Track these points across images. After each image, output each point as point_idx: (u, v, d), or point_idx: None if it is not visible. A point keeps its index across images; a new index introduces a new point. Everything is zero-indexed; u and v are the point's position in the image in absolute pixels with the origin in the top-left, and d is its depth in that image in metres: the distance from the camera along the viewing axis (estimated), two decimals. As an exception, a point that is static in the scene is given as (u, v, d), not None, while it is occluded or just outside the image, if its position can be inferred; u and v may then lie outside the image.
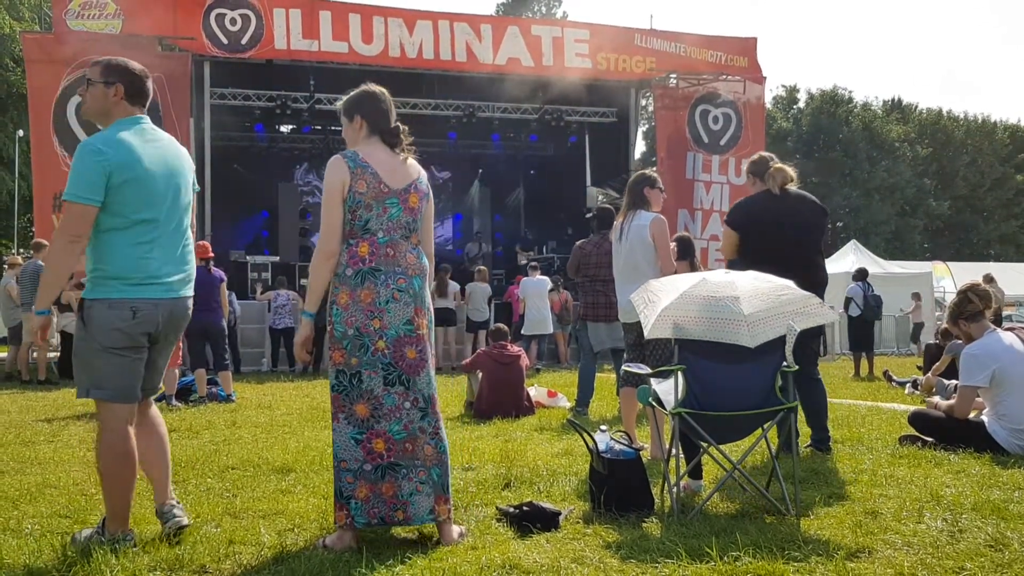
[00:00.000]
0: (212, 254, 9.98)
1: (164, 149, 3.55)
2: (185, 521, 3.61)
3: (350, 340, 3.41)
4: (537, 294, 14.49)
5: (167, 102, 14.99)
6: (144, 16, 15.31)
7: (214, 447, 6.28)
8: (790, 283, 4.15)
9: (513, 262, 20.38)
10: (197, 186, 3.78)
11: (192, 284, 3.64)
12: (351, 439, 3.40)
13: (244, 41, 15.91)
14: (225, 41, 15.83)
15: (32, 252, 13.18)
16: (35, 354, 12.30)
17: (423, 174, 3.69)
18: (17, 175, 25.19)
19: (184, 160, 3.65)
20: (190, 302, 3.63)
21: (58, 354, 13.19)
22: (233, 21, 15.88)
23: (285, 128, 21.14)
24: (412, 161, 3.65)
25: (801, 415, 5.51)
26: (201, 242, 10.09)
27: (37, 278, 11.93)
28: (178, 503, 3.73)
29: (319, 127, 20.52)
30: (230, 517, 4.07)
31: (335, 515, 3.44)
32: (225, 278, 10.12)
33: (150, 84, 3.63)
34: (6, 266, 15.12)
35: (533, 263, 15.83)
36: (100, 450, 3.46)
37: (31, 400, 9.86)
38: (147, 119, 3.59)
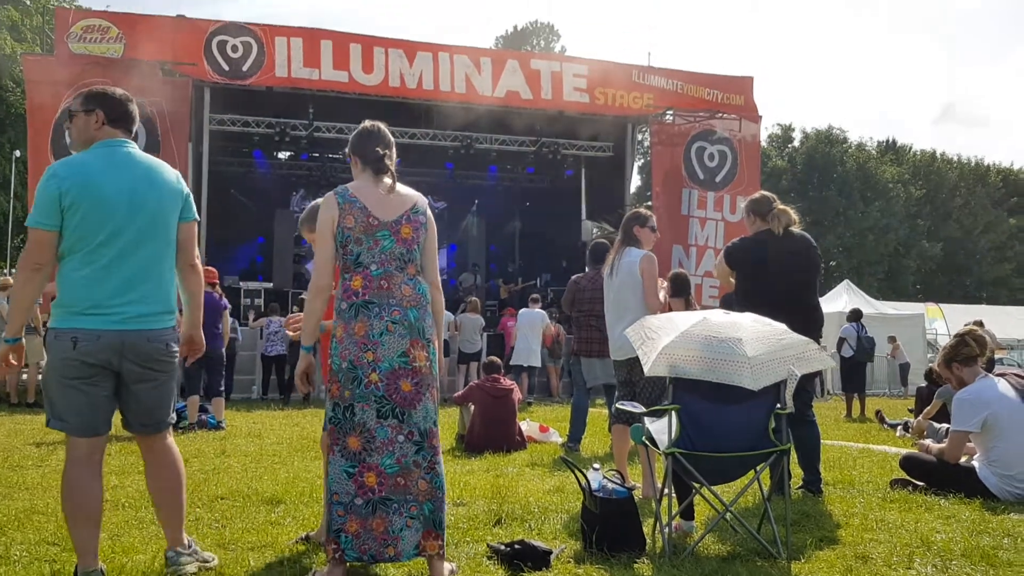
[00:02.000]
0: (216, 280, 10.03)
1: (137, 173, 3.41)
2: (189, 571, 3.48)
3: (344, 373, 3.41)
4: (529, 326, 14.49)
5: (166, 127, 15.08)
6: (146, 41, 15.46)
7: (203, 476, 6.24)
8: (786, 327, 4.17)
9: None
10: (194, 214, 3.60)
11: (164, 316, 3.45)
12: (343, 472, 3.38)
13: (245, 68, 16.05)
14: (226, 68, 15.96)
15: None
16: (24, 376, 12.23)
17: (421, 202, 3.64)
18: (12, 196, 25.19)
19: (164, 186, 3.47)
20: (156, 335, 3.39)
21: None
22: (235, 48, 16.02)
23: (283, 155, 21.23)
24: (408, 191, 3.63)
25: (793, 455, 5.51)
26: (209, 268, 10.15)
27: (29, 300, 11.90)
28: (190, 548, 3.61)
29: (317, 154, 20.62)
30: (220, 549, 4.03)
31: (325, 548, 3.41)
32: (229, 306, 10.14)
33: (133, 107, 3.54)
34: (-2, 287, 15.03)
35: (535, 296, 15.84)
36: (62, 482, 3.37)
37: (19, 423, 9.79)
38: (129, 143, 3.49)
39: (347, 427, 3.40)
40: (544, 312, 15.02)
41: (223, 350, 9.85)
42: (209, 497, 5.35)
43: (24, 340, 3.43)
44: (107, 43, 15.47)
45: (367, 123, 3.73)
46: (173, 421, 3.66)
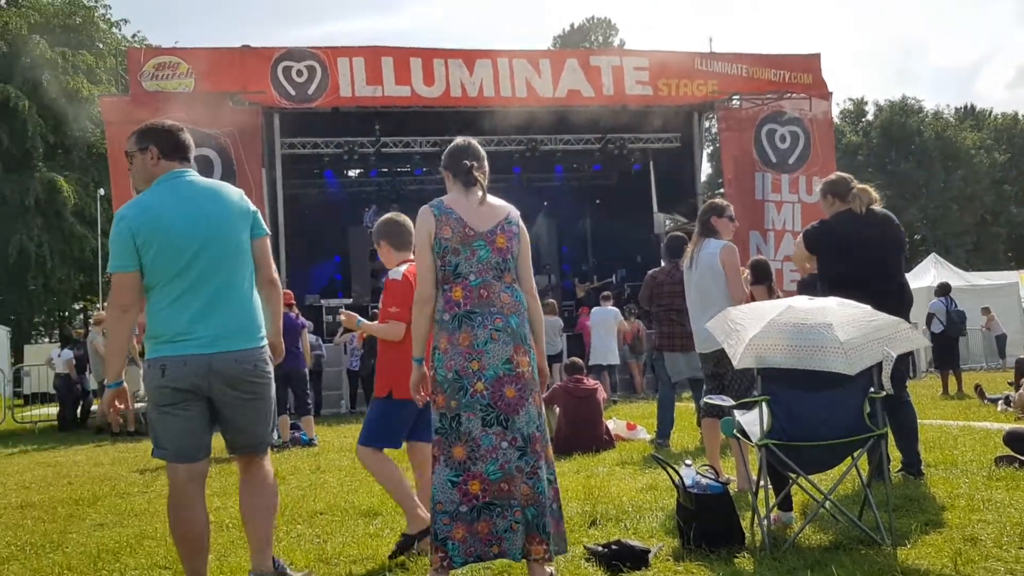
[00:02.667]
0: (293, 301, 10.27)
1: (201, 200, 3.45)
2: None
3: (450, 383, 3.46)
4: (603, 324, 14.40)
5: (240, 155, 15.51)
6: (215, 74, 15.97)
7: (301, 492, 6.39)
8: (873, 308, 4.06)
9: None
10: (264, 230, 3.61)
11: (250, 337, 3.46)
12: (448, 481, 3.43)
13: (311, 91, 16.39)
14: (293, 92, 16.33)
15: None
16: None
17: (513, 214, 3.69)
18: (100, 233, 26.24)
19: (230, 207, 3.49)
20: (243, 356, 3.42)
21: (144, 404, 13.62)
22: (300, 73, 16.38)
23: (353, 173, 21.61)
24: (499, 202, 3.69)
25: (891, 439, 5.37)
26: (285, 291, 10.42)
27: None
28: (279, 570, 3.66)
29: (386, 170, 20.90)
30: (322, 564, 4.14)
31: (431, 557, 3.45)
32: (308, 324, 10.36)
33: (185, 136, 3.56)
34: (92, 322, 15.71)
35: (606, 293, 15.75)
36: (167, 509, 3.46)
37: (122, 452, 10.19)
38: (189, 172, 3.53)
39: (453, 437, 3.45)
40: (616, 309, 14.88)
41: (305, 369, 10.07)
42: (308, 513, 5.49)
43: (124, 376, 3.55)
44: (178, 79, 15.99)
45: (459, 139, 3.79)
46: (273, 441, 3.67)
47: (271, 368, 3.56)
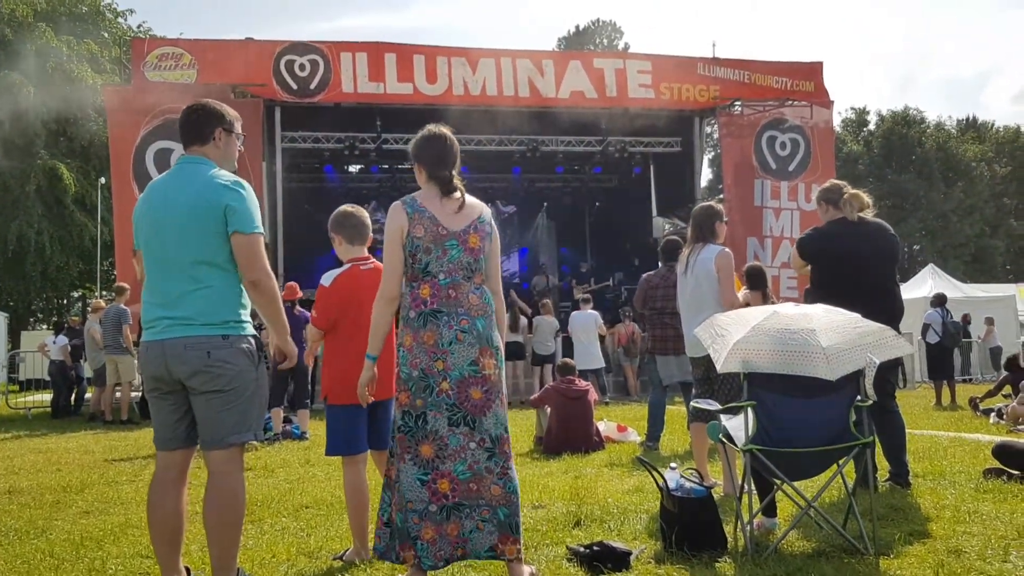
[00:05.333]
0: (300, 294, 10.25)
1: (176, 185, 3.37)
2: None
3: (415, 381, 3.45)
4: (583, 328, 14.31)
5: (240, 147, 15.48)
6: (217, 65, 15.97)
7: (288, 485, 6.40)
8: (859, 316, 4.07)
9: (581, 295, 20.38)
10: (244, 227, 3.30)
11: (207, 325, 3.27)
12: (416, 480, 3.42)
13: (313, 86, 16.38)
14: (295, 86, 16.32)
15: (114, 296, 13.69)
16: (118, 395, 12.72)
17: (486, 212, 3.67)
18: (100, 221, 26.24)
19: (196, 196, 3.30)
20: (193, 342, 3.25)
21: (140, 394, 13.63)
22: (302, 67, 16.37)
23: (353, 168, 21.59)
24: (473, 201, 3.65)
25: (879, 449, 5.37)
26: (290, 283, 10.43)
27: (119, 321, 12.38)
28: None
29: (387, 166, 20.89)
30: (305, 557, 4.14)
31: (403, 555, 3.44)
32: (309, 317, 10.33)
33: (192, 117, 3.50)
34: (90, 310, 15.71)
35: (585, 296, 15.69)
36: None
37: (114, 440, 10.19)
38: (194, 158, 3.45)
39: (420, 435, 3.44)
40: (596, 313, 14.75)
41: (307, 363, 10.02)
42: (294, 506, 5.49)
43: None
44: (181, 70, 15.98)
45: (430, 128, 3.72)
46: (235, 443, 3.33)
47: (242, 363, 3.31)
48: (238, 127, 3.65)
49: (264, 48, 16.45)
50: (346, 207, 4.51)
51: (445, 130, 3.70)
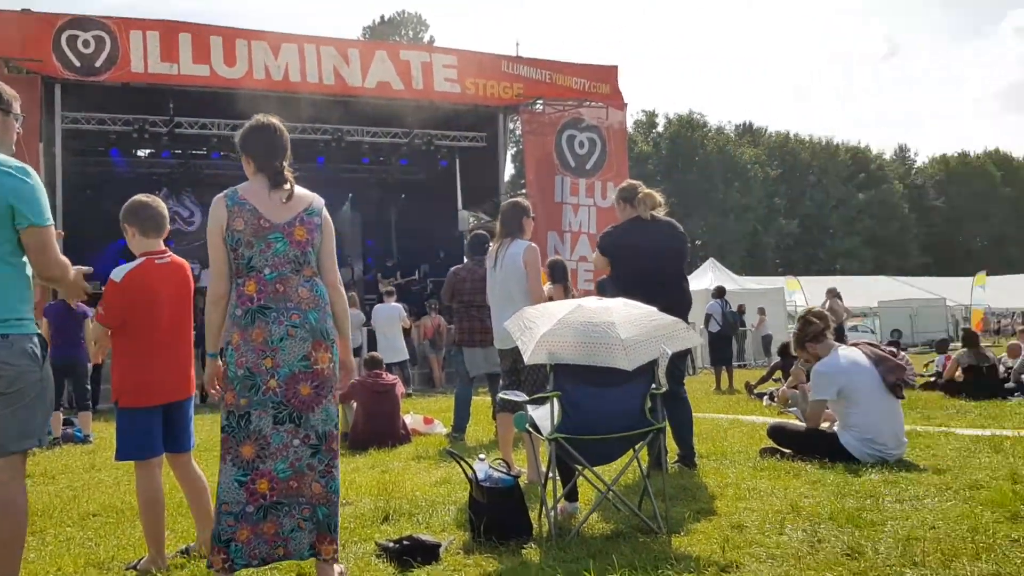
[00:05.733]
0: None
1: None
2: None
3: (240, 380, 3.33)
4: (387, 321, 14.30)
5: (13, 126, 14.18)
6: (-13, 35, 14.51)
7: (72, 493, 5.98)
8: (655, 309, 4.34)
9: (386, 287, 20.27)
10: (31, 220, 3.07)
11: None
12: (234, 481, 3.31)
13: (98, 64, 15.27)
14: (78, 64, 15.15)
15: None
16: None
17: (316, 204, 3.55)
18: None
19: None
20: None
21: None
22: (86, 43, 15.22)
23: (143, 152, 20.34)
24: (303, 192, 3.54)
25: (669, 432, 5.73)
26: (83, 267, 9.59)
27: None
28: None
29: (179, 151, 19.84)
30: (95, 568, 3.89)
31: (211, 559, 3.32)
32: (91, 313, 9.60)
33: None
34: None
35: (389, 289, 15.67)
36: None
37: None
38: None
39: (241, 435, 3.32)
40: (400, 306, 14.81)
41: (88, 361, 9.32)
42: (80, 515, 5.14)
43: None
44: (-59, 37, 14.43)
45: (258, 118, 3.59)
46: (17, 451, 3.08)
47: (24, 363, 3.07)
48: (16, 107, 3.34)
49: (43, 20, 15.12)
50: (141, 197, 4.23)
51: (274, 120, 3.58)
